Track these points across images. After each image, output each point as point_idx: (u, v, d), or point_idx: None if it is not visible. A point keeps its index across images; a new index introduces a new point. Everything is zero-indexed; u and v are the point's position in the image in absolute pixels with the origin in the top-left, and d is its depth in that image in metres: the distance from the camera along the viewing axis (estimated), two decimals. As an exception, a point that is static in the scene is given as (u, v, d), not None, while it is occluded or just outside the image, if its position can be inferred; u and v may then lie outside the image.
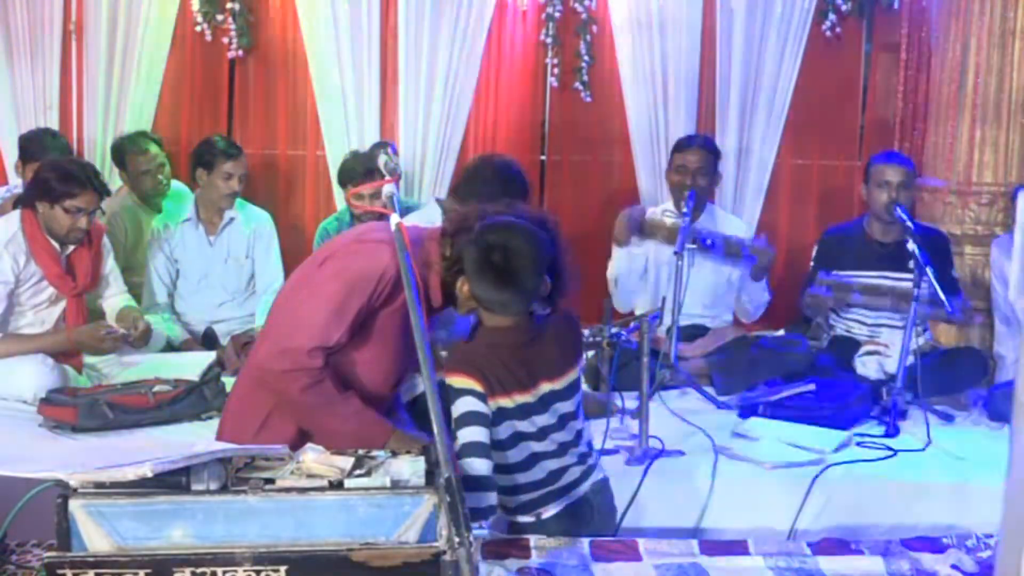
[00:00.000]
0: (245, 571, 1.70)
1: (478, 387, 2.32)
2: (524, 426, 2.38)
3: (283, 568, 1.71)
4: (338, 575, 1.72)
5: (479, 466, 2.25)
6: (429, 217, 3.78)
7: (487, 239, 2.32)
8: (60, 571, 1.69)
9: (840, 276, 3.99)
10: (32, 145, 4.42)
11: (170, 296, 4.45)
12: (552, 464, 2.44)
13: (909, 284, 3.60)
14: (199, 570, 1.70)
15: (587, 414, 2.58)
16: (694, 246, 4.03)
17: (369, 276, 2.41)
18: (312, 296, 2.46)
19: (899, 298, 3.78)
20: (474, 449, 2.27)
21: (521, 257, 2.29)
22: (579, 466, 2.50)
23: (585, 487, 2.50)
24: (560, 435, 2.44)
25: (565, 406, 2.45)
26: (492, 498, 2.27)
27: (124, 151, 4.56)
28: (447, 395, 2.31)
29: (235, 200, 4.41)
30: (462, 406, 2.30)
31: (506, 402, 2.35)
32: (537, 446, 2.41)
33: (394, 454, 2.01)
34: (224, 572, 1.70)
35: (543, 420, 2.41)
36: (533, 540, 2.29)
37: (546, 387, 2.41)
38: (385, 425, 2.49)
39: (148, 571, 1.70)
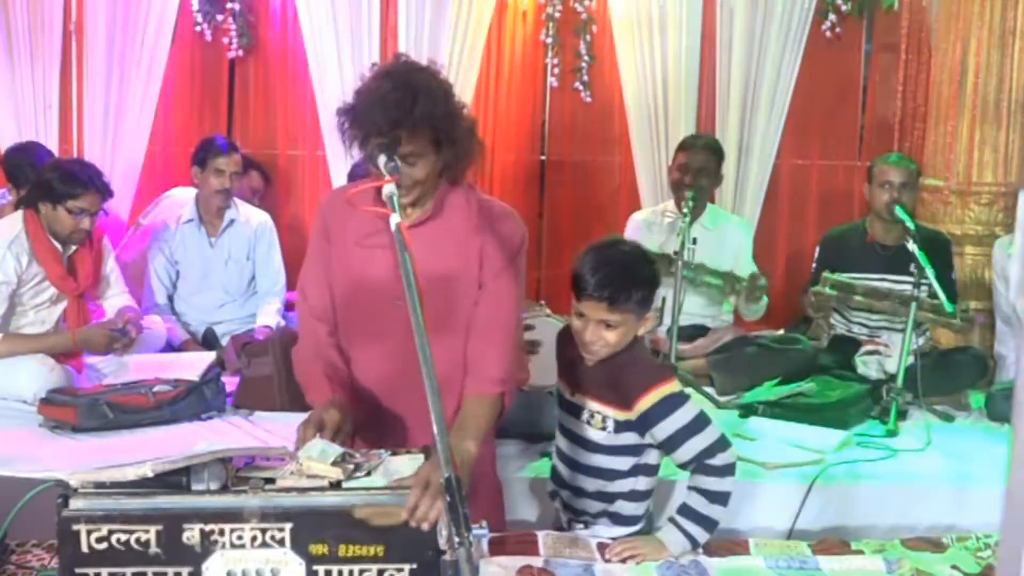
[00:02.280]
0: (252, 528, 1.77)
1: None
2: None
3: (287, 525, 1.77)
4: (341, 532, 1.77)
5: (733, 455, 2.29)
6: None
7: (643, 257, 2.37)
8: (75, 526, 1.74)
9: (842, 278, 3.99)
10: (17, 170, 4.21)
11: (170, 297, 4.45)
12: None
13: (909, 288, 3.60)
14: (208, 527, 1.77)
15: None
16: (694, 246, 4.03)
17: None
18: None
19: (899, 302, 3.78)
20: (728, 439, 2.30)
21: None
22: None
23: None
24: None
25: None
26: None
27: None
28: (672, 404, 2.28)
29: (228, 197, 4.39)
30: (695, 406, 2.31)
31: None
32: None
33: (394, 453, 2.01)
34: (232, 529, 1.77)
35: None
36: (541, 537, 2.27)
37: None
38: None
39: (159, 528, 1.76)
